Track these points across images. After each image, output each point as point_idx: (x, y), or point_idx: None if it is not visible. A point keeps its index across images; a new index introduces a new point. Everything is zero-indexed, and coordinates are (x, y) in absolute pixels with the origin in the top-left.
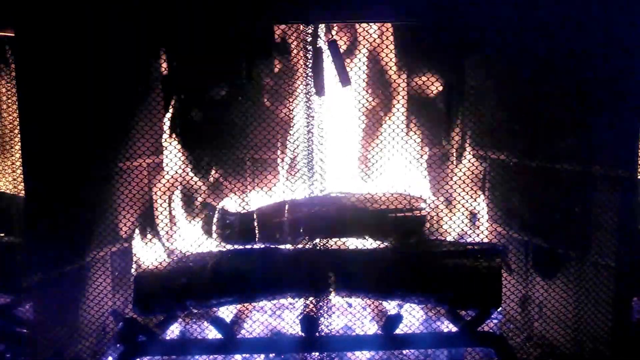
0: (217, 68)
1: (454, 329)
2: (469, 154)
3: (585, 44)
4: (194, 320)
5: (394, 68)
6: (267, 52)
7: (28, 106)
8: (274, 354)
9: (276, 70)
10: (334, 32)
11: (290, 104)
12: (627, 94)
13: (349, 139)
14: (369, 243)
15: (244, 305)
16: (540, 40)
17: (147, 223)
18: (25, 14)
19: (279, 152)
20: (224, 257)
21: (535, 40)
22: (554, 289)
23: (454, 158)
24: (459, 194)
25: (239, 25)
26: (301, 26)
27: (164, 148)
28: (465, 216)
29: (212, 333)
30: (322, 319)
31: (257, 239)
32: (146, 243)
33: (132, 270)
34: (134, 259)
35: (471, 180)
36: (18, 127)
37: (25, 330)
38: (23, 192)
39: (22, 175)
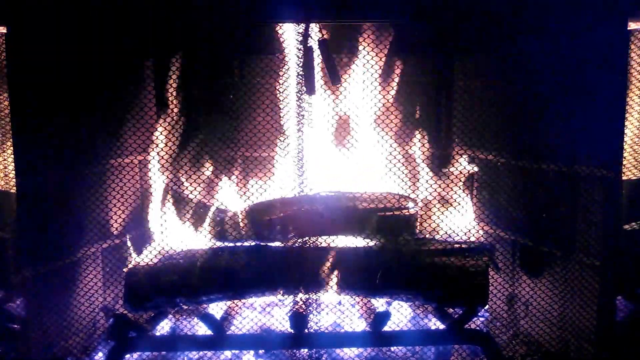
0: (209, 66)
1: (442, 326)
2: (457, 153)
3: (572, 47)
4: (184, 316)
5: (384, 68)
6: (258, 51)
7: (20, 102)
8: (263, 350)
9: (267, 69)
10: (324, 31)
11: (281, 102)
12: (611, 94)
13: (339, 138)
14: (358, 241)
15: (234, 302)
16: (528, 43)
17: (138, 220)
18: (20, 10)
19: (270, 150)
20: (215, 254)
21: (524, 43)
22: (540, 288)
23: (443, 158)
24: (448, 194)
25: (230, 24)
26: (292, 25)
27: (156, 145)
28: (454, 215)
29: (202, 329)
30: (311, 315)
31: (247, 237)
32: (137, 240)
33: (123, 267)
34: (125, 255)
35: (459, 180)
36: (9, 123)
37: (16, 326)
38: (14, 188)
39: (13, 171)
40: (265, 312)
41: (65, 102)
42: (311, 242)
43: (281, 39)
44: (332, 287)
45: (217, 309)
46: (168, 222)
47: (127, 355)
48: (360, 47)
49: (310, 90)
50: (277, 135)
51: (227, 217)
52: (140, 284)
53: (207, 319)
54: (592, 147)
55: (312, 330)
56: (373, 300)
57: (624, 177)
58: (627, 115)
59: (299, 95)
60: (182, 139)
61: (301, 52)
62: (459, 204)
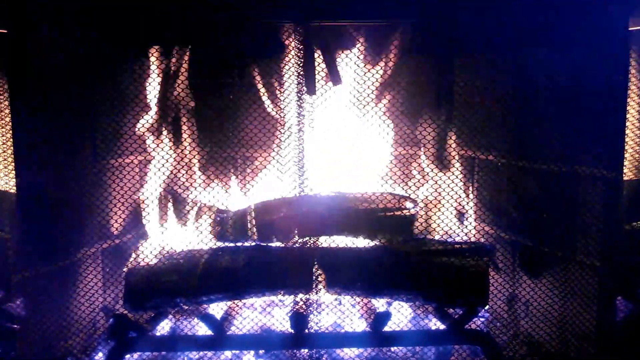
0: (209, 66)
1: (442, 326)
2: (458, 154)
3: (571, 47)
4: (184, 316)
5: (384, 68)
6: (258, 52)
7: (19, 103)
8: (263, 350)
9: (267, 69)
10: (325, 32)
11: (282, 102)
12: (611, 94)
13: (340, 139)
14: (358, 241)
15: (234, 302)
16: (526, 44)
17: (138, 220)
18: (18, 12)
19: (270, 150)
20: (215, 254)
21: (522, 44)
22: (540, 288)
23: (443, 158)
24: (448, 194)
25: (230, 23)
26: (293, 25)
27: (156, 145)
28: (454, 215)
29: (202, 329)
30: (311, 316)
31: (247, 237)
32: (137, 240)
33: (123, 267)
34: (125, 255)
35: (460, 180)
36: (9, 124)
37: (16, 326)
38: (14, 187)
39: (13, 171)
40: (265, 312)
41: (65, 101)
42: (311, 242)
43: (281, 39)
44: (332, 287)
45: (217, 309)
46: (168, 223)
47: (127, 355)
48: (360, 47)
49: (311, 90)
50: (278, 135)
51: (228, 218)
52: (140, 284)
53: (207, 319)
54: (592, 147)
55: (312, 331)
56: (373, 301)
57: (624, 177)
58: (627, 115)
59: (299, 95)
60: (182, 138)
61: (301, 52)
62: (459, 204)
